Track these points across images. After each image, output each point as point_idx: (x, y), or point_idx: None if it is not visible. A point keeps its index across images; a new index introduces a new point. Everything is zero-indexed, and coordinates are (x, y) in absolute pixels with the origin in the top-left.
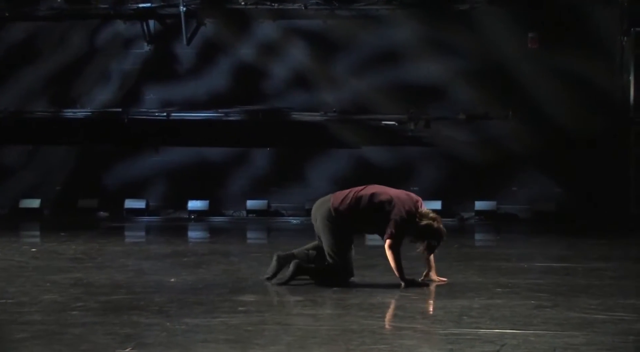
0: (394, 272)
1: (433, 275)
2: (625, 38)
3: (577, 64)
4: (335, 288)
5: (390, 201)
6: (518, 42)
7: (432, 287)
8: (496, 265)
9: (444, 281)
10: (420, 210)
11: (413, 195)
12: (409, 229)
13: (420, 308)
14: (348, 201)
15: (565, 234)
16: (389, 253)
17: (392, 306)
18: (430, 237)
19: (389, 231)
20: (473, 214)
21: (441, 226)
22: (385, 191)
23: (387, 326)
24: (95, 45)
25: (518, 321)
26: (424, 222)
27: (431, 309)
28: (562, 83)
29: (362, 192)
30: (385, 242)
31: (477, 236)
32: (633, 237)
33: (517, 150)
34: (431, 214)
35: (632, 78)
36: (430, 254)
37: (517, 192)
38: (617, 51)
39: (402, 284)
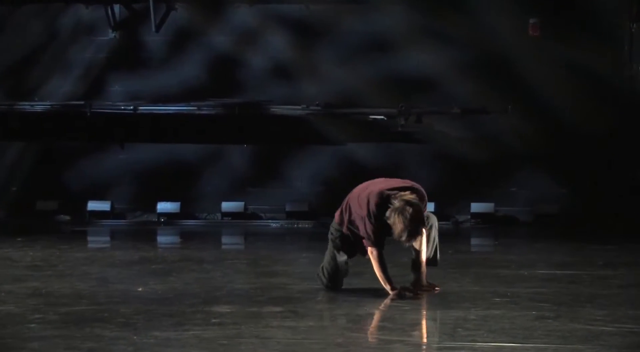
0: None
1: (422, 281)
2: (634, 25)
3: (582, 53)
4: (319, 298)
5: (347, 207)
6: (518, 29)
7: (424, 296)
8: (494, 272)
9: (436, 289)
10: (391, 202)
11: (393, 183)
12: (383, 229)
13: (411, 319)
14: (345, 217)
15: (569, 239)
16: (372, 261)
17: (380, 318)
18: (397, 236)
19: (365, 238)
20: (469, 217)
21: (406, 214)
22: (358, 192)
23: (375, 339)
24: (55, 32)
25: (518, 334)
26: (389, 218)
27: (423, 321)
28: (566, 74)
29: (348, 201)
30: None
31: (474, 241)
32: None
33: (516, 148)
34: (397, 204)
35: None
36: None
37: (516, 193)
38: (626, 39)
39: (390, 293)
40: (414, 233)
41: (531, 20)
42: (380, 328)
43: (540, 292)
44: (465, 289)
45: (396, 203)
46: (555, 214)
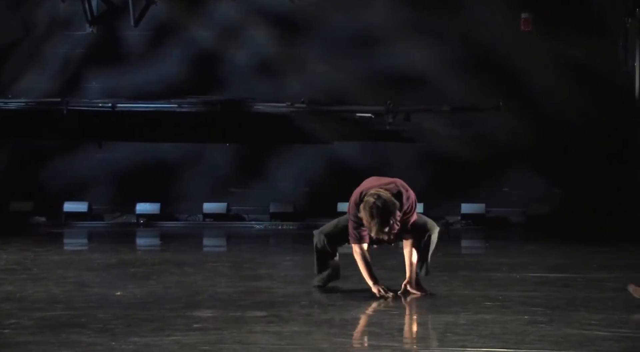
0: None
1: (408, 285)
2: (629, 19)
3: (576, 48)
4: (304, 302)
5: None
6: (509, 24)
7: (410, 299)
8: (485, 276)
9: (421, 293)
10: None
11: (381, 182)
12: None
13: (399, 324)
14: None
15: (563, 241)
16: (355, 258)
17: (368, 322)
18: (368, 230)
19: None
20: (459, 218)
21: (371, 209)
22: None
23: (362, 345)
24: (30, 27)
25: (509, 339)
26: (360, 213)
27: (412, 326)
28: (559, 70)
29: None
30: None
31: (464, 243)
32: (638, 244)
33: (508, 146)
34: (365, 199)
35: (637, 65)
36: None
37: (508, 194)
38: (621, 34)
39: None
40: (381, 226)
41: (523, 15)
42: (367, 333)
43: (533, 296)
44: (455, 292)
45: (365, 198)
46: (548, 214)
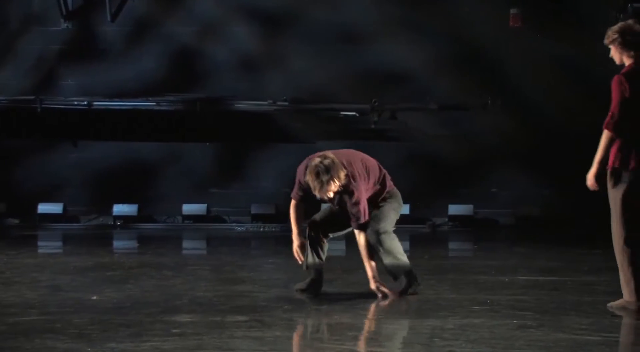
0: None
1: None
2: (621, 15)
3: (567, 45)
4: (286, 306)
5: None
6: (498, 19)
7: (395, 303)
8: (473, 279)
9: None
10: None
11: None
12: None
13: (385, 329)
14: None
15: (553, 243)
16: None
17: (352, 327)
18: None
19: None
20: (446, 219)
21: (310, 169)
22: None
23: (346, 350)
24: (2, 22)
25: (498, 344)
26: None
27: (398, 331)
28: (549, 68)
29: None
30: None
31: (451, 245)
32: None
33: (496, 146)
34: (314, 158)
35: None
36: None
37: (497, 194)
38: None
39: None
40: (319, 186)
41: (512, 11)
42: (352, 338)
43: (522, 299)
44: (443, 296)
45: (313, 159)
46: (537, 216)
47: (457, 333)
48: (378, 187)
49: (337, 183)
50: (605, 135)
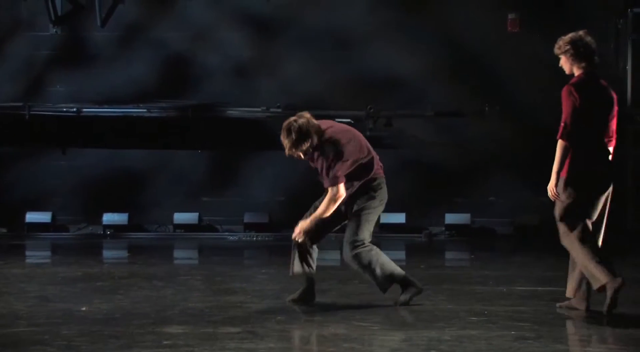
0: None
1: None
2: (620, 20)
3: None
4: (279, 317)
5: None
6: (496, 24)
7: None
8: (470, 289)
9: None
10: None
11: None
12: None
13: (380, 340)
14: None
15: (551, 253)
16: None
17: (347, 338)
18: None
19: None
20: (443, 228)
21: (289, 124)
22: None
23: None
24: None
25: None
26: None
27: (393, 342)
28: (547, 73)
29: None
30: None
31: (448, 255)
32: (629, 257)
33: (494, 153)
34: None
35: (629, 67)
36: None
37: (494, 203)
38: (612, 35)
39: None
40: (289, 144)
41: (510, 15)
42: (346, 350)
43: (520, 310)
44: (439, 307)
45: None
46: (536, 225)
47: (453, 345)
48: (364, 161)
49: (307, 144)
50: (560, 146)
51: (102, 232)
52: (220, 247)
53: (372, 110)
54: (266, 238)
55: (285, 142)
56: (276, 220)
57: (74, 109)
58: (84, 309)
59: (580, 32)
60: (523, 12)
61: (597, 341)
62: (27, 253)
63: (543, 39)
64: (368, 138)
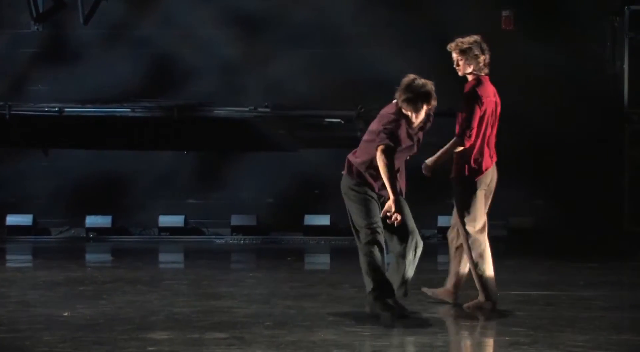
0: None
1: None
2: (617, 18)
3: (560, 49)
4: (267, 322)
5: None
6: (489, 22)
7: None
8: (463, 294)
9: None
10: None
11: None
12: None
13: (371, 346)
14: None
15: (546, 256)
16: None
17: (337, 344)
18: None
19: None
20: (435, 231)
21: (403, 82)
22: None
23: None
24: None
25: None
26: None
27: (385, 348)
28: (542, 72)
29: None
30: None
31: (440, 258)
32: (627, 260)
33: None
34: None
35: (626, 66)
36: None
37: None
38: (608, 34)
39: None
40: (433, 101)
41: (504, 13)
42: None
43: (515, 315)
44: (432, 312)
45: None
46: (530, 228)
47: (446, 351)
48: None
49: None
50: (455, 143)
51: (85, 236)
52: (206, 251)
53: (362, 110)
54: (254, 241)
55: (433, 102)
56: (264, 222)
57: (56, 109)
58: (66, 314)
59: (478, 38)
60: (517, 10)
61: (594, 347)
62: (8, 257)
63: (538, 38)
64: (359, 139)
